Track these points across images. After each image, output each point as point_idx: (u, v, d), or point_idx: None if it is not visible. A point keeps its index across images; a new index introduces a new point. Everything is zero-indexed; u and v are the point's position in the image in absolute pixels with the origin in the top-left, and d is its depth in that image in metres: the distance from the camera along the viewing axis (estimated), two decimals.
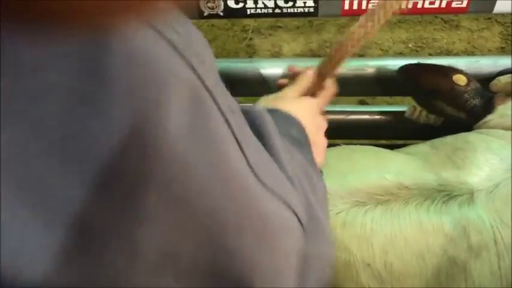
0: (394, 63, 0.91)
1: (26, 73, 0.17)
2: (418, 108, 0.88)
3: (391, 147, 0.72)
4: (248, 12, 0.80)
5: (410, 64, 0.81)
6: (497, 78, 0.75)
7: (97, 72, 0.18)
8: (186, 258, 0.22)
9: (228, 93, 0.25)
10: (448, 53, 2.10)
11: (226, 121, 0.23)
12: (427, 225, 0.57)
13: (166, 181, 0.20)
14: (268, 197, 0.25)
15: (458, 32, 2.19)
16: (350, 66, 0.90)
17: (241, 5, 0.79)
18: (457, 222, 0.58)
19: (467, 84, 0.75)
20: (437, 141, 0.69)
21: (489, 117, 0.72)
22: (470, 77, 0.76)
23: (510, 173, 0.60)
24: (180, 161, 0.20)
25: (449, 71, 0.76)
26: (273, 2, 0.78)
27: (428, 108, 0.84)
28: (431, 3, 0.83)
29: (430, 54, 2.09)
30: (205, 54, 0.23)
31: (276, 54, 2.04)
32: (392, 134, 1.03)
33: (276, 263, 0.26)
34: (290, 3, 0.78)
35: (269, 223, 0.25)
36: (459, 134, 0.70)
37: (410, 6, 0.82)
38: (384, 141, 1.08)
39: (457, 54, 2.08)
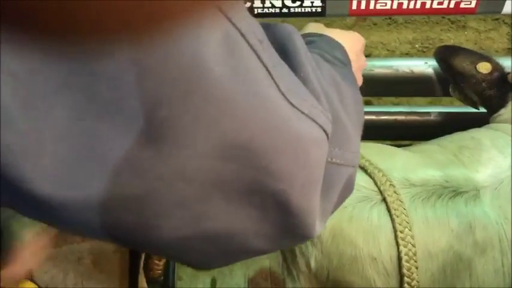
0: (400, 64, 0.92)
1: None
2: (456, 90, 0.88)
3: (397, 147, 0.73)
4: (255, 12, 0.81)
5: (447, 45, 0.83)
6: None
7: None
8: (229, 179, 0.26)
9: (255, 22, 0.27)
10: None
11: (256, 53, 0.26)
12: (433, 221, 0.58)
13: (214, 118, 0.24)
14: (299, 116, 0.28)
15: (466, 32, 2.18)
16: None
17: (248, 4, 0.80)
18: (463, 218, 0.58)
19: (490, 74, 0.76)
20: (444, 139, 0.70)
21: (502, 111, 0.73)
22: (498, 67, 0.77)
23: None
24: (224, 97, 0.24)
25: (477, 57, 0.78)
26: (280, 1, 0.79)
27: (459, 91, 0.84)
28: (439, 3, 0.83)
29: None
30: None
31: None
32: (398, 134, 1.03)
33: (309, 176, 0.30)
34: (297, 3, 0.79)
35: (302, 141, 0.28)
36: (466, 131, 0.71)
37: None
38: (389, 142, 1.09)
39: None
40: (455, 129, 0.74)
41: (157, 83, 0.22)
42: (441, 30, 2.18)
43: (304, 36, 0.51)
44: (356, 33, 0.58)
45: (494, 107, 0.75)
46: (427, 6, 0.82)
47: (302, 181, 0.29)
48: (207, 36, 0.23)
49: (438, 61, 0.84)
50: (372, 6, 0.79)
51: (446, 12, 0.83)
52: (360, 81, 0.55)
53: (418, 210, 0.58)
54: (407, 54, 2.09)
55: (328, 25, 2.19)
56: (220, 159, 0.24)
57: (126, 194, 0.23)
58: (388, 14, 0.81)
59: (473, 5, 0.84)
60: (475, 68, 0.77)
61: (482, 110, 0.82)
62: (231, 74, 0.24)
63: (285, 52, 0.33)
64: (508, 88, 0.76)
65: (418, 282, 0.57)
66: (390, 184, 0.57)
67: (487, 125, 0.72)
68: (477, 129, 0.71)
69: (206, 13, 0.19)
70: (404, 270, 0.56)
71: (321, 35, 0.51)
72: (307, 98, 0.30)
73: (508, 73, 0.78)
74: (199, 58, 0.22)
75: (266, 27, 0.33)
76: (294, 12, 0.81)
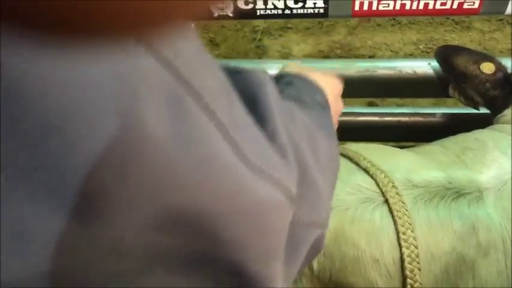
0: (403, 65, 0.92)
1: None
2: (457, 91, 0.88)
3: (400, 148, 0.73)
4: (258, 13, 0.81)
5: (448, 45, 0.83)
6: None
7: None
8: (174, 252, 0.23)
9: (210, 66, 0.24)
10: None
11: (210, 111, 0.22)
12: (436, 222, 0.58)
13: (156, 189, 0.20)
14: (258, 180, 0.25)
15: (470, 33, 2.18)
16: (359, 68, 0.91)
17: (251, 6, 0.80)
18: (466, 219, 0.58)
19: (493, 74, 0.76)
20: (447, 140, 0.70)
21: (506, 111, 0.73)
22: (501, 67, 0.77)
23: None
24: (168, 166, 0.20)
25: (480, 57, 0.78)
26: (282, 3, 0.79)
27: (460, 91, 0.84)
28: (442, 4, 0.83)
29: None
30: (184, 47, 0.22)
31: (286, 56, 2.05)
32: (402, 136, 1.03)
33: (267, 244, 0.27)
34: (300, 4, 0.79)
35: (260, 206, 0.26)
36: (470, 133, 0.71)
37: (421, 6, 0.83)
38: (393, 143, 1.09)
39: None
40: (460, 130, 0.74)
41: (89, 149, 0.18)
42: (445, 31, 2.17)
43: (284, 76, 0.49)
44: (335, 77, 0.56)
45: (498, 108, 0.75)
46: (430, 7, 0.82)
47: (261, 249, 0.26)
48: (146, 91, 0.19)
49: (439, 61, 0.84)
50: (374, 7, 0.79)
51: (450, 13, 0.83)
52: (336, 126, 0.53)
53: (420, 211, 0.58)
54: (411, 55, 2.09)
55: (332, 26, 2.18)
56: (163, 232, 0.21)
57: (62, 272, 0.20)
58: (391, 15, 0.81)
59: (476, 5, 0.84)
60: (479, 68, 0.76)
61: (483, 110, 0.82)
62: (177, 138, 0.20)
63: (254, 102, 0.30)
64: None
65: (421, 284, 0.56)
66: (392, 185, 0.57)
67: (490, 126, 0.72)
68: (481, 130, 0.71)
69: (125, 50, 0.17)
70: (407, 272, 0.55)
71: (300, 76, 0.49)
72: (271, 158, 0.27)
73: None
74: (137, 118, 0.19)
75: (235, 73, 0.31)
76: (297, 13, 0.81)
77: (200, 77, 0.22)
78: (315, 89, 0.47)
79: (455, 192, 0.59)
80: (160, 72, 0.20)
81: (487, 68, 0.76)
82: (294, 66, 0.55)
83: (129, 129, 0.19)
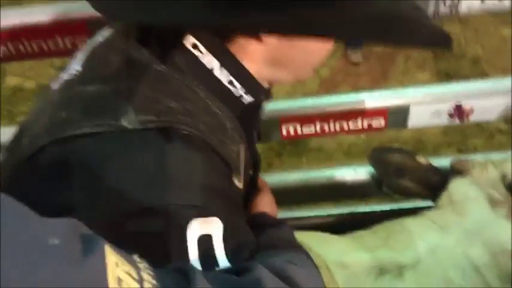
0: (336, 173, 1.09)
1: None
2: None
3: None
4: None
5: (378, 148, 0.96)
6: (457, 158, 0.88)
7: None
8: None
9: None
10: None
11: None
12: None
13: None
14: None
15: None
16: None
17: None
18: None
19: (429, 164, 0.89)
20: (378, 226, 0.81)
21: (443, 194, 0.82)
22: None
23: (429, 252, 0.73)
24: None
25: (410, 153, 0.91)
26: None
27: (394, 188, 0.94)
28: (354, 126, 1.03)
29: None
30: None
31: None
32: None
33: None
34: None
35: None
36: (399, 219, 0.82)
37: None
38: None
39: None
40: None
41: None
42: None
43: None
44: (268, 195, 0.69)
45: (437, 192, 0.84)
46: (345, 128, 1.02)
47: None
48: None
49: (373, 164, 0.95)
50: (299, 132, 0.99)
51: (361, 131, 1.03)
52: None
53: None
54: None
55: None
56: None
57: None
58: (315, 136, 1.01)
59: (382, 123, 1.05)
60: (415, 160, 0.88)
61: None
62: None
63: None
64: (447, 173, 0.86)
65: None
66: (327, 267, 0.69)
67: (420, 213, 0.83)
68: (410, 217, 0.82)
69: None
70: None
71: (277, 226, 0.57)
72: None
73: None
74: None
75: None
76: None
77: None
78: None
79: (379, 270, 0.71)
80: None
81: (422, 159, 0.89)
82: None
83: None
